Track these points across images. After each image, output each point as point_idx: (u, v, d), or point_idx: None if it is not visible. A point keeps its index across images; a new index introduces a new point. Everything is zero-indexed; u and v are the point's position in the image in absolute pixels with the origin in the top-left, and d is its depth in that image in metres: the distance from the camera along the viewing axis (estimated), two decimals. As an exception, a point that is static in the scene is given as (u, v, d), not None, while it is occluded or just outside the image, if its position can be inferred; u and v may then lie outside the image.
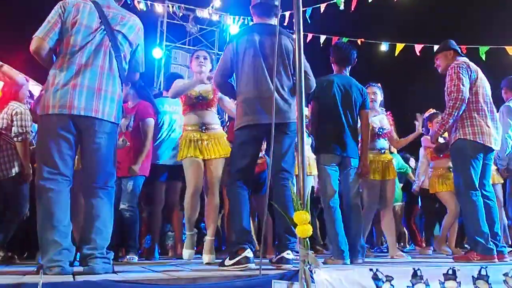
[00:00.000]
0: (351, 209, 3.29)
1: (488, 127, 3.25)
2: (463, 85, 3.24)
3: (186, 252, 3.47)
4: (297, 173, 2.28)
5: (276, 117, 2.66)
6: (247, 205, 2.72)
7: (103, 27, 2.40)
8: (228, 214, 4.28)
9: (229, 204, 2.83)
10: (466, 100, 3.25)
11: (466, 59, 3.45)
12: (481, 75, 3.39)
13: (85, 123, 2.30)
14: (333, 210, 3.16)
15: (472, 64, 3.39)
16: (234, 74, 2.91)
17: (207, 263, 3.17)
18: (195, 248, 3.73)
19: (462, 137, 3.26)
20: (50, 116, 2.27)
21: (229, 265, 2.53)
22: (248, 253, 2.52)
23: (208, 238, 3.36)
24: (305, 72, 2.84)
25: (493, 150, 3.32)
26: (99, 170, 2.34)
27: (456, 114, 3.25)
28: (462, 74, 3.27)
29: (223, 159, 3.42)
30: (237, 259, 2.50)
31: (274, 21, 2.94)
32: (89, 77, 2.32)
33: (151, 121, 3.91)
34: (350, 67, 3.53)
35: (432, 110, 4.97)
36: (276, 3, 2.89)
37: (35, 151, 4.09)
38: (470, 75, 3.31)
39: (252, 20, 3.12)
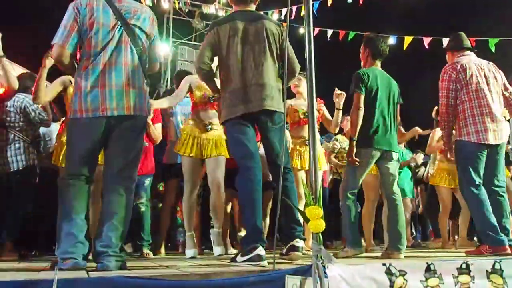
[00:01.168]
0: (393, 202, 3.25)
1: (485, 123, 3.24)
2: (446, 97, 3.34)
3: (190, 252, 3.43)
4: (308, 168, 2.27)
5: (261, 105, 2.64)
6: (260, 199, 2.61)
7: (119, 23, 2.40)
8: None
9: (240, 198, 2.74)
10: (451, 109, 3.34)
11: (459, 58, 3.41)
12: (477, 69, 3.35)
13: (117, 121, 2.33)
14: (351, 202, 3.19)
15: (463, 63, 3.35)
16: (218, 65, 2.86)
17: (219, 255, 3.23)
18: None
19: (459, 138, 3.32)
20: (82, 120, 2.29)
21: (241, 262, 2.52)
22: (261, 251, 2.48)
23: (216, 230, 3.41)
24: (291, 57, 2.81)
25: (499, 144, 3.29)
26: (125, 165, 2.35)
27: (445, 124, 3.38)
28: (445, 82, 3.36)
29: (223, 157, 3.45)
30: (249, 256, 2.48)
31: (254, 7, 2.89)
32: (115, 75, 2.33)
33: (160, 126, 4.00)
34: (382, 61, 3.47)
35: None
36: None
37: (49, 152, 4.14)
38: (457, 77, 3.31)
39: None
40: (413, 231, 7.28)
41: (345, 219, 3.21)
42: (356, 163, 3.18)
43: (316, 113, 4.30)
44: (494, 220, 3.12)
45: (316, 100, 4.39)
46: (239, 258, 2.55)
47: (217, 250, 3.30)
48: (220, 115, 2.80)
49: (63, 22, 2.36)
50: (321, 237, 1.97)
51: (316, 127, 2.19)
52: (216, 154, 3.43)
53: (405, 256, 3.10)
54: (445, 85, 3.35)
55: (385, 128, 3.25)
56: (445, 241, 4.95)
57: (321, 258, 1.90)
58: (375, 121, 3.23)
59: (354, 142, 3.20)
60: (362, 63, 3.50)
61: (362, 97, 3.22)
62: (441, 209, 4.94)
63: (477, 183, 3.20)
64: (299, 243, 2.56)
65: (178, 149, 3.47)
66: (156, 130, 3.92)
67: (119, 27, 2.39)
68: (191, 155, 3.40)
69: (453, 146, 3.41)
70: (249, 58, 2.70)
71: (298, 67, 2.87)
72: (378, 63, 3.44)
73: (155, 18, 2.60)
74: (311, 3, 2.27)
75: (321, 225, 1.96)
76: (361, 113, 3.20)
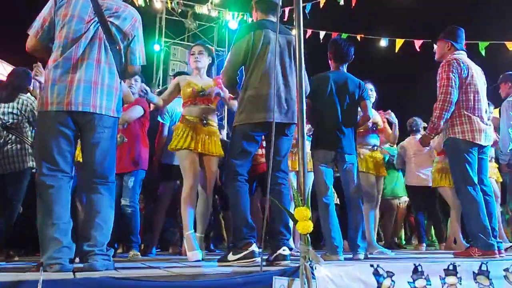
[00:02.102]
0: (349, 205, 3.30)
1: (478, 123, 3.26)
2: (451, 86, 3.24)
3: (193, 255, 3.14)
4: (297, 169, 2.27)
5: (286, 117, 2.73)
6: (249, 201, 2.70)
7: (96, 18, 2.36)
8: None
9: (230, 199, 2.76)
10: (455, 101, 3.27)
11: (459, 56, 3.38)
12: (473, 71, 3.35)
13: (84, 118, 2.28)
14: (326, 206, 3.17)
15: (464, 61, 3.34)
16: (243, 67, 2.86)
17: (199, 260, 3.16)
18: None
19: (451, 135, 3.30)
20: (48, 113, 2.25)
21: (233, 260, 2.51)
22: (255, 247, 2.51)
23: (198, 234, 3.32)
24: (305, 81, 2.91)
25: (486, 146, 3.31)
26: (99, 165, 2.32)
27: (445, 116, 3.27)
28: (452, 73, 3.26)
29: (218, 158, 3.42)
30: (243, 253, 2.49)
31: (274, 18, 2.92)
32: (85, 71, 2.28)
33: (139, 108, 3.86)
34: (347, 64, 3.50)
35: None
36: (276, 1, 2.89)
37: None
38: (460, 73, 3.28)
39: (250, 16, 3.10)
40: (408, 232, 7.30)
41: (324, 225, 3.19)
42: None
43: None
44: (487, 223, 3.11)
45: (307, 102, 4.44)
46: (230, 257, 2.54)
47: None
48: (237, 116, 2.79)
49: (40, 13, 2.35)
50: (309, 238, 1.97)
51: (306, 128, 2.19)
52: (214, 152, 3.36)
53: (393, 257, 3.11)
54: (452, 76, 3.25)
55: (338, 131, 3.26)
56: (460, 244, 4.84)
57: (309, 259, 1.90)
58: (326, 123, 3.27)
59: None
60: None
61: (310, 102, 3.29)
62: (452, 210, 4.79)
63: (475, 182, 3.19)
64: (285, 251, 2.54)
65: (173, 145, 3.32)
66: (132, 109, 3.79)
67: (95, 22, 2.36)
68: (189, 148, 3.27)
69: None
70: (278, 69, 2.75)
71: (307, 86, 2.97)
72: (341, 67, 3.46)
73: (140, 19, 2.54)
74: (301, 5, 2.27)
75: (309, 226, 1.96)
76: (310, 118, 3.30)
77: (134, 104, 3.92)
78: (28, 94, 3.75)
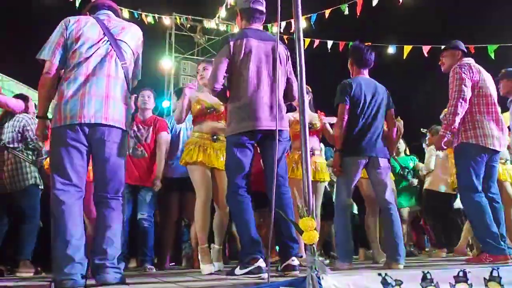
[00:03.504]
0: (387, 211, 3.21)
1: (492, 128, 3.22)
2: (465, 85, 3.22)
3: (207, 268, 3.17)
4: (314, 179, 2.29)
5: (272, 124, 2.68)
6: (252, 213, 2.69)
7: (106, 38, 2.45)
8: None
9: (232, 213, 2.80)
10: (468, 99, 3.22)
11: (470, 60, 3.40)
12: (484, 76, 3.35)
13: (95, 131, 2.34)
14: (345, 214, 3.17)
15: (475, 65, 3.35)
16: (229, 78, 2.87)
17: (218, 271, 3.20)
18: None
19: (464, 140, 3.25)
20: (61, 128, 2.32)
21: (240, 275, 2.53)
22: (261, 262, 2.50)
23: (216, 246, 3.38)
24: (290, 79, 2.92)
25: (498, 151, 3.29)
26: (110, 180, 2.37)
27: (459, 112, 3.20)
28: (464, 74, 3.25)
29: None
30: (249, 269, 2.49)
31: (261, 26, 2.94)
32: (96, 85, 2.36)
33: (166, 135, 4.07)
34: (368, 69, 3.48)
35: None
36: (261, 8, 2.90)
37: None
38: (472, 76, 3.28)
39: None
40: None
41: (339, 233, 3.18)
42: (341, 173, 3.22)
43: (318, 124, 4.35)
44: (495, 228, 3.08)
45: (317, 112, 4.46)
46: (237, 271, 2.56)
47: (216, 265, 3.27)
48: (227, 128, 2.83)
49: (51, 37, 2.44)
50: (315, 248, 1.98)
51: (308, 138, 2.17)
52: (223, 166, 3.31)
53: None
54: (464, 76, 3.24)
55: (370, 135, 3.24)
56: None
57: (315, 269, 1.91)
58: (359, 129, 3.24)
59: (338, 153, 3.25)
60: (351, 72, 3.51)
61: (346, 107, 3.25)
62: None
63: (479, 189, 3.17)
64: (294, 261, 2.56)
65: (185, 159, 3.36)
66: (161, 139, 4.01)
67: (105, 41, 2.45)
68: (198, 160, 3.29)
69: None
70: (261, 76, 2.75)
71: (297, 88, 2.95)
72: (365, 72, 3.44)
73: (142, 37, 2.65)
74: (301, 18, 2.31)
75: (315, 236, 1.97)
76: (344, 124, 3.25)
77: (157, 121, 4.09)
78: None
